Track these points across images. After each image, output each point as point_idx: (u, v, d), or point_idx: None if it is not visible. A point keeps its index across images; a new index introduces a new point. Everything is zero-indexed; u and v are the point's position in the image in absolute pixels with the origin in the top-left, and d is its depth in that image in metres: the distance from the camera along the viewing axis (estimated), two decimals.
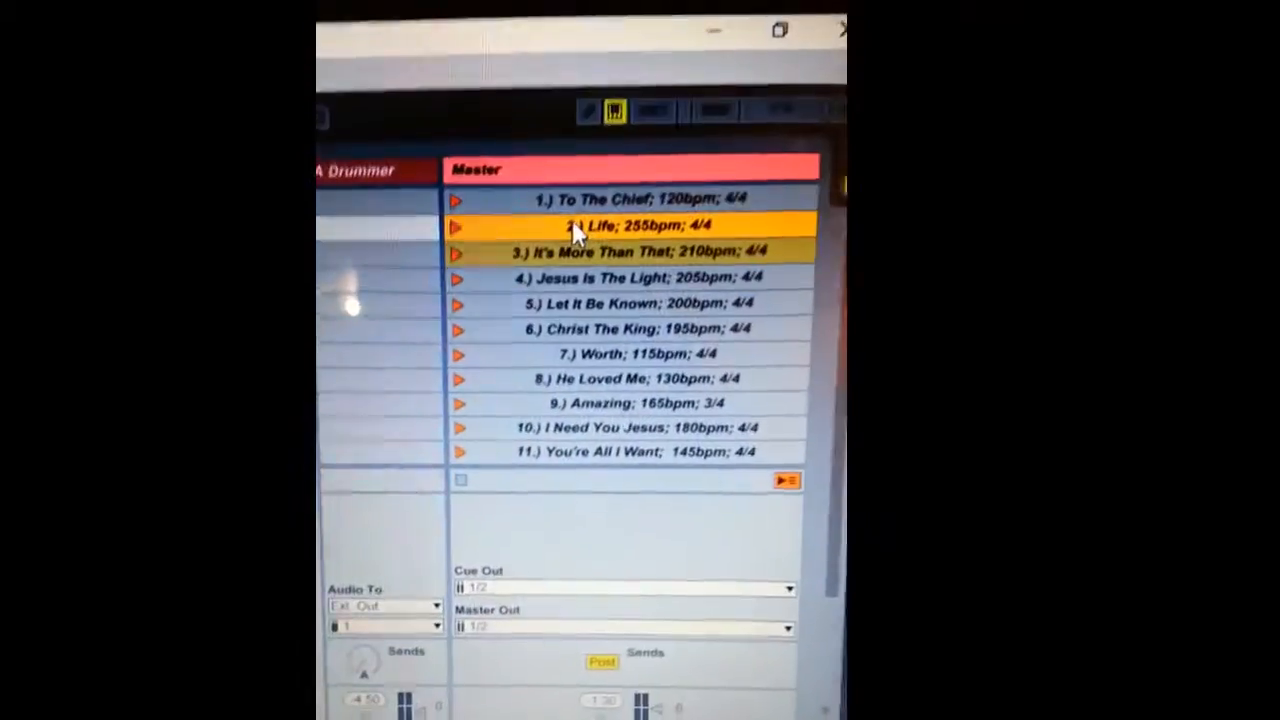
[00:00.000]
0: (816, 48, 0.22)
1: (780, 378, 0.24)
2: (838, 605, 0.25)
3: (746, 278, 0.23)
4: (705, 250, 0.23)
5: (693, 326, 0.24)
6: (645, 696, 0.26)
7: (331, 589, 0.26)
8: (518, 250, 0.24)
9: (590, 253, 0.23)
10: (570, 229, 0.23)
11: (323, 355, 0.24)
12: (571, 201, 0.23)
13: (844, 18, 0.22)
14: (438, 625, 0.26)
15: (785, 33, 0.22)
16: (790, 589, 0.25)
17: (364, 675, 0.26)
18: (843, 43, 0.22)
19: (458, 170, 0.23)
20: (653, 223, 0.23)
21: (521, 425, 0.25)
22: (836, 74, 0.22)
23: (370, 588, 0.26)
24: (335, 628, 0.26)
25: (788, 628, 0.25)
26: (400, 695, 0.26)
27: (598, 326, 0.24)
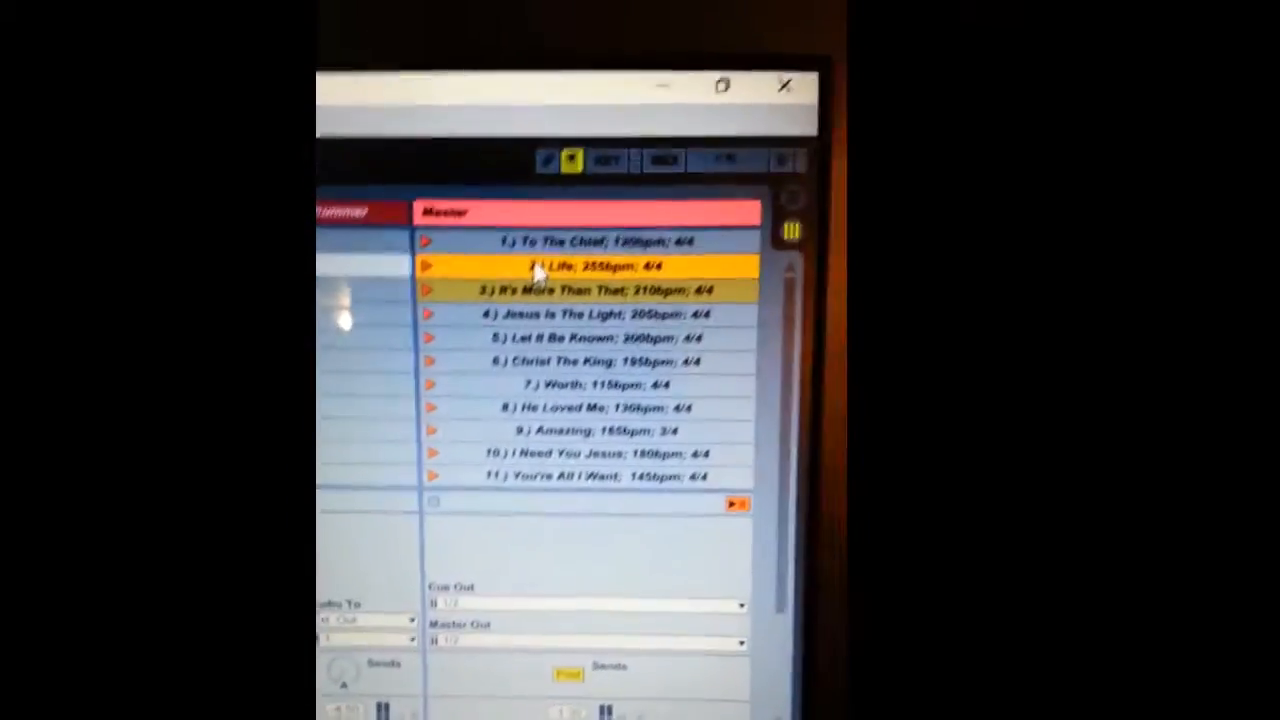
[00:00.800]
0: (757, 102, 0.24)
1: (729, 408, 0.25)
2: (786, 621, 0.26)
3: (695, 315, 0.25)
4: (657, 290, 0.25)
5: (647, 360, 0.25)
6: (610, 708, 0.27)
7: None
8: (484, 287, 0.25)
9: (551, 290, 0.25)
10: (532, 268, 0.25)
11: None
12: (533, 243, 0.25)
13: (782, 74, 0.24)
14: (413, 639, 0.27)
15: (728, 88, 0.24)
16: (742, 606, 0.27)
17: (344, 686, 0.28)
18: (782, 97, 0.24)
19: (428, 212, 0.25)
20: (608, 264, 0.25)
21: (490, 451, 0.26)
22: (775, 126, 0.24)
23: (349, 602, 0.27)
24: (316, 640, 0.28)
25: (741, 642, 0.27)
26: (378, 705, 0.28)
27: (559, 359, 0.26)
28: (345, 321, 0.26)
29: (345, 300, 0.25)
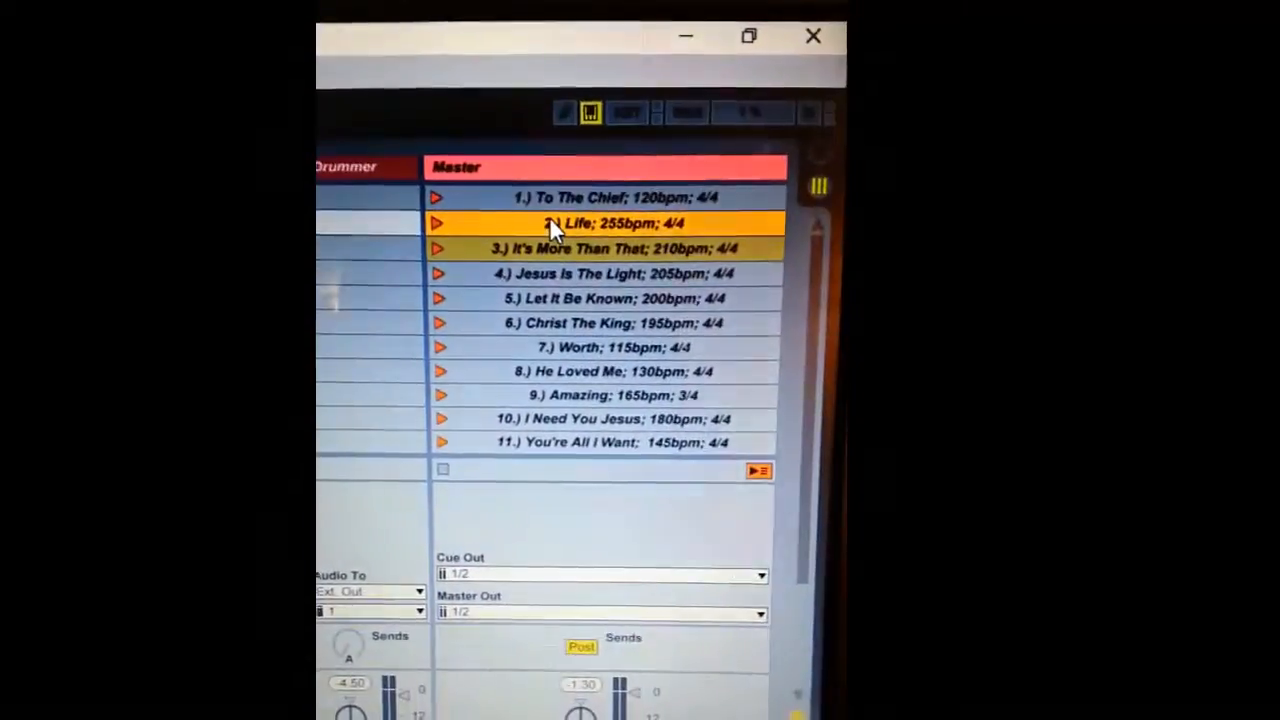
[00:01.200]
0: (784, 53, 0.23)
1: (751, 371, 0.25)
2: (809, 591, 0.26)
3: (718, 275, 0.24)
4: (678, 248, 0.24)
5: (667, 321, 0.25)
6: (624, 680, 0.27)
7: (317, 575, 0.27)
8: (497, 245, 0.24)
9: (567, 249, 0.24)
10: (548, 226, 0.24)
11: None
12: (549, 199, 0.24)
13: (810, 24, 0.23)
14: (421, 611, 0.27)
15: (754, 39, 0.23)
16: (763, 576, 0.26)
17: (349, 659, 0.27)
18: (810, 48, 0.23)
19: (438, 167, 0.24)
20: (628, 220, 0.24)
21: (502, 416, 0.25)
22: (803, 78, 0.23)
23: (354, 574, 0.27)
24: (320, 613, 0.27)
25: (760, 613, 0.26)
26: (384, 679, 0.27)
27: (575, 320, 0.25)
28: (352, 281, 0.25)
29: (352, 259, 0.24)
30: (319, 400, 0.25)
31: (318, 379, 0.25)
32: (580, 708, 0.27)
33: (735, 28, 0.23)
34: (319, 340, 0.25)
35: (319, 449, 0.26)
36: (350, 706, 0.27)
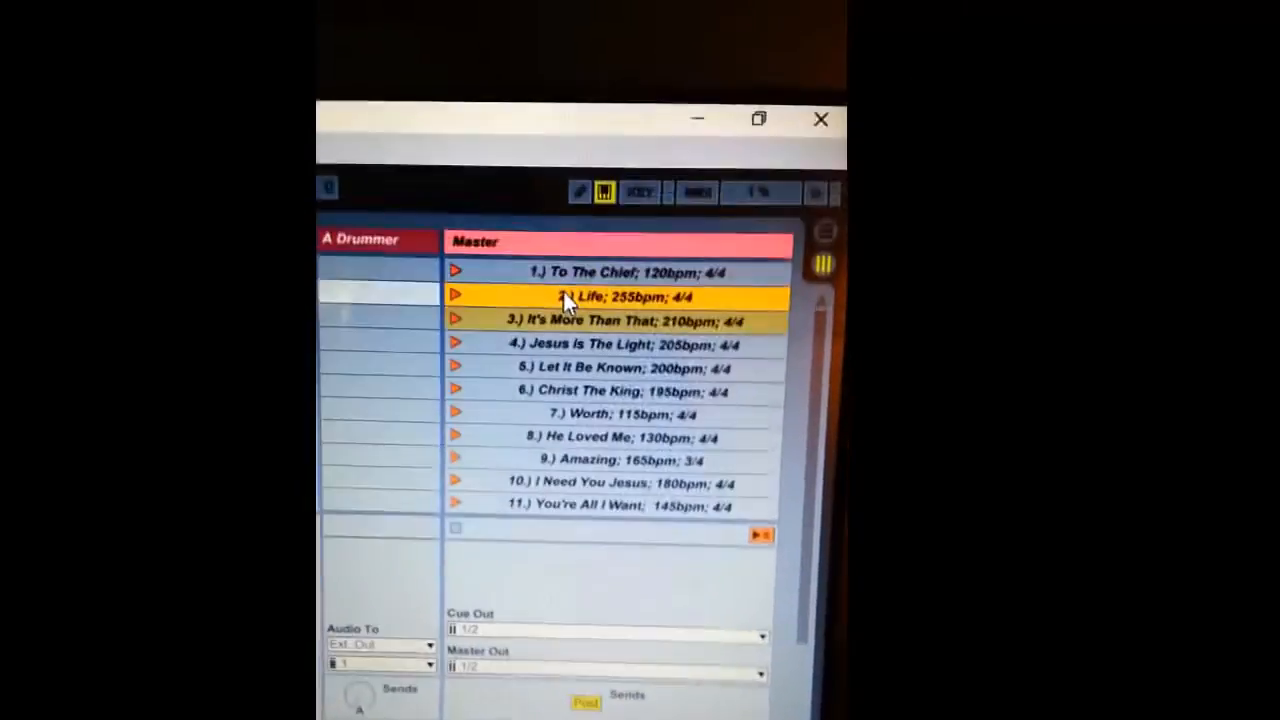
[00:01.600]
0: (792, 135, 0.24)
1: (755, 439, 0.25)
2: (808, 651, 0.26)
3: (724, 347, 0.25)
4: (686, 320, 0.25)
5: (674, 390, 0.25)
6: None
7: (331, 628, 0.27)
8: (513, 316, 0.25)
9: (580, 320, 0.25)
10: (562, 298, 0.25)
11: (328, 408, 0.26)
12: (563, 273, 0.25)
13: (818, 109, 0.24)
14: (430, 664, 0.27)
15: (764, 121, 0.24)
16: (763, 636, 0.27)
17: (359, 710, 0.28)
18: (817, 131, 0.24)
19: (458, 241, 0.25)
20: (638, 294, 0.25)
21: (513, 478, 0.26)
22: (810, 160, 0.24)
23: (367, 627, 0.27)
24: (333, 664, 0.28)
25: (760, 673, 0.27)
26: None
27: (586, 388, 0.26)
28: (373, 348, 0.26)
29: (374, 326, 0.25)
30: (338, 460, 0.26)
31: (336, 440, 0.26)
32: None
33: (745, 111, 0.24)
34: (340, 403, 0.26)
35: (336, 507, 0.26)
36: None
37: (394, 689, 0.28)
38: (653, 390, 0.25)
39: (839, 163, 0.24)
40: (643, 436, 0.26)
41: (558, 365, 0.25)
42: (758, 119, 0.24)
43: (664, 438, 0.26)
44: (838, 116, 0.24)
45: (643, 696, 0.27)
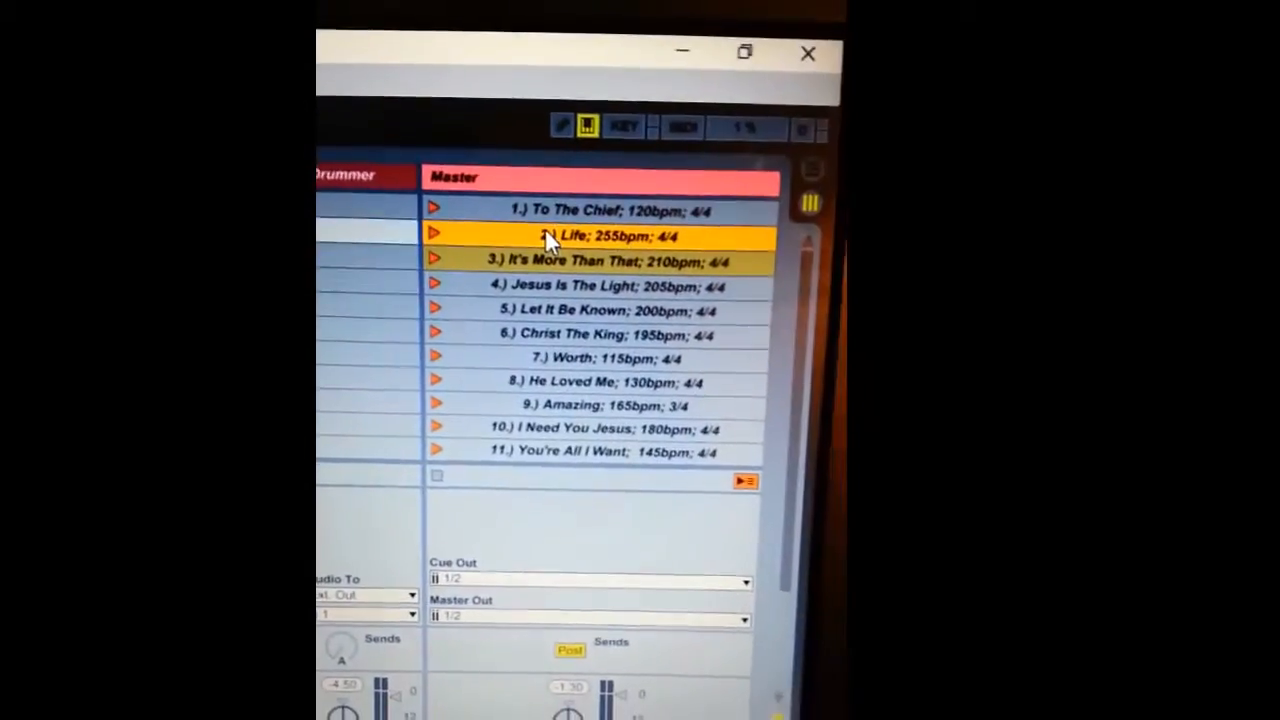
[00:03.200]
0: (779, 69, 0.23)
1: (740, 384, 0.25)
2: (791, 598, 0.26)
3: (710, 288, 0.25)
4: (671, 261, 0.24)
5: (659, 333, 0.25)
6: (610, 683, 0.27)
7: None
8: (493, 256, 0.25)
9: (563, 260, 0.25)
10: (544, 237, 0.24)
11: None
12: (545, 211, 0.24)
13: (805, 42, 0.23)
14: (413, 614, 0.27)
15: (750, 55, 0.23)
16: (747, 583, 0.26)
17: (341, 661, 0.28)
18: (805, 66, 0.23)
19: (436, 177, 0.24)
20: (622, 233, 0.24)
21: (496, 424, 0.26)
22: (797, 95, 0.23)
23: (348, 578, 0.27)
24: (315, 619, 0.27)
25: (744, 619, 0.27)
26: (376, 680, 0.27)
27: (569, 331, 0.25)
28: (348, 289, 0.25)
29: (349, 267, 0.25)
30: (317, 407, 0.26)
31: (316, 386, 0.25)
32: (568, 709, 0.27)
33: (731, 44, 0.23)
34: (316, 347, 0.25)
35: (317, 455, 0.26)
36: (343, 707, 0.28)
37: (376, 639, 0.27)
38: (637, 333, 0.25)
39: (827, 99, 0.23)
40: (627, 381, 0.25)
41: (540, 307, 0.25)
42: (744, 52, 0.23)
43: (649, 382, 0.25)
44: (826, 51, 0.23)
45: (627, 643, 0.27)
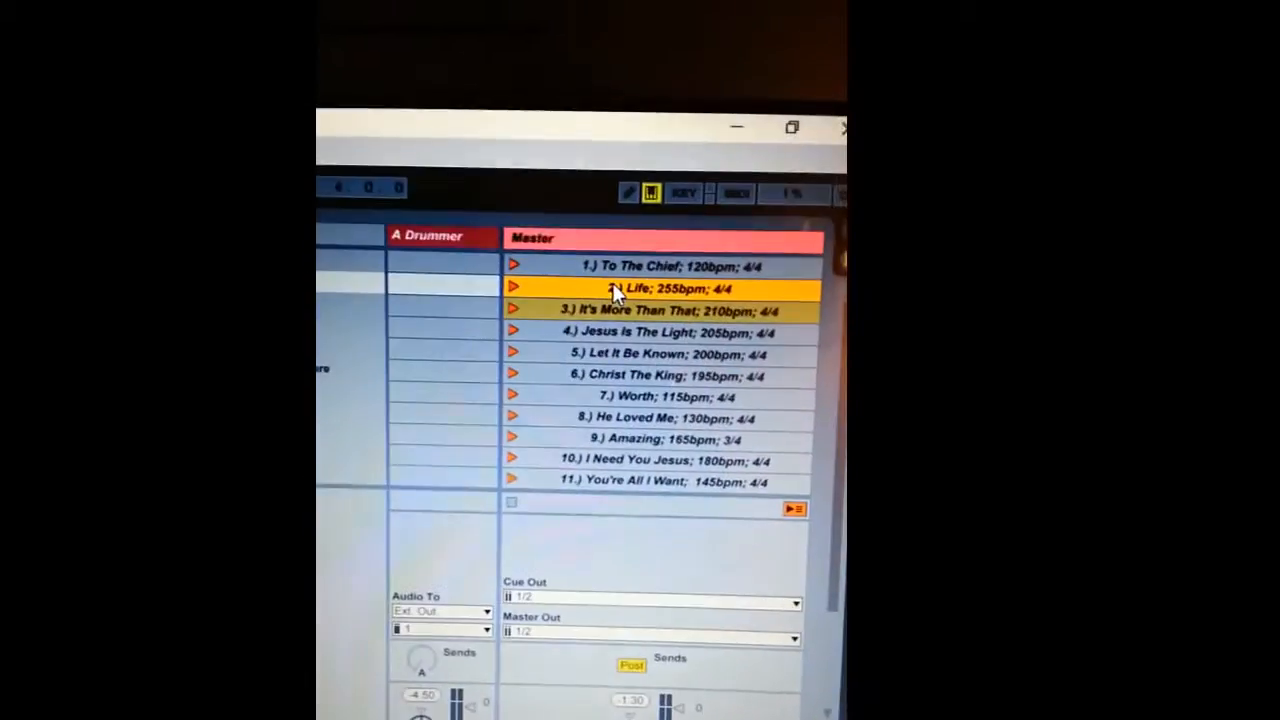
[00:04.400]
0: (823, 143, 0.26)
1: (789, 420, 0.28)
2: (838, 619, 0.29)
3: (761, 335, 0.28)
4: (726, 310, 0.28)
5: (714, 375, 0.28)
6: (669, 697, 0.30)
7: (395, 595, 0.30)
8: (566, 306, 0.28)
9: (628, 310, 0.28)
10: (611, 289, 0.28)
11: (395, 391, 0.29)
12: (613, 266, 0.28)
13: (844, 119, 0.26)
14: (487, 630, 0.30)
15: (797, 130, 0.26)
16: (797, 604, 0.29)
17: (421, 673, 0.30)
18: (845, 139, 0.26)
19: (516, 238, 0.28)
20: (681, 286, 0.28)
21: (565, 456, 0.29)
22: (839, 164, 0.27)
23: (429, 595, 0.30)
24: (397, 630, 0.30)
25: (794, 638, 0.29)
26: (453, 691, 0.30)
27: (633, 373, 0.28)
28: (437, 336, 0.28)
29: (439, 316, 0.28)
30: (405, 440, 0.29)
31: (403, 421, 0.29)
32: None
33: (780, 120, 0.27)
34: (405, 387, 0.28)
35: (401, 482, 0.29)
36: (422, 716, 0.30)
37: (454, 653, 0.30)
38: (695, 375, 0.28)
39: None
40: (685, 417, 0.28)
41: (607, 351, 0.28)
42: (791, 128, 0.27)
43: (705, 418, 0.28)
44: None
45: (684, 660, 0.29)
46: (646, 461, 0.29)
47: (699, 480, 0.29)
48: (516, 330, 0.28)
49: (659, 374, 0.28)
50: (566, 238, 0.28)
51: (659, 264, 0.27)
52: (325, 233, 0.28)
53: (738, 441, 0.28)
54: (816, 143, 0.26)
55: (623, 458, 0.29)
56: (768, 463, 0.28)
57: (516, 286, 0.28)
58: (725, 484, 0.29)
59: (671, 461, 0.29)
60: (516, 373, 0.28)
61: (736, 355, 0.28)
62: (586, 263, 0.28)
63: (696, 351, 0.28)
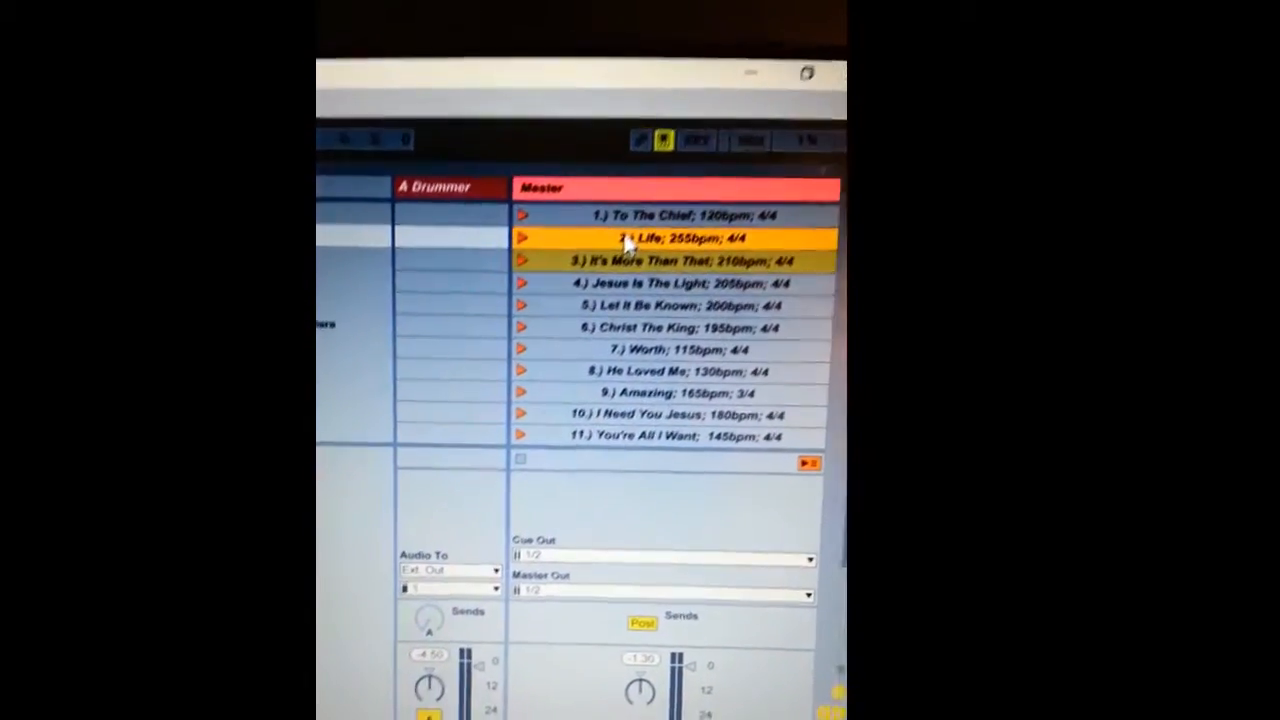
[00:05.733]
0: (838, 89, 0.26)
1: (804, 372, 0.28)
2: None
3: (775, 285, 0.28)
4: (740, 260, 0.28)
5: (728, 326, 0.28)
6: (680, 655, 0.30)
7: (403, 554, 0.30)
8: (576, 258, 0.28)
9: (639, 261, 0.28)
10: (622, 240, 0.28)
11: (403, 347, 0.29)
12: (624, 217, 0.27)
13: None
14: (496, 589, 0.30)
15: (812, 75, 0.26)
16: (811, 560, 0.29)
17: (429, 633, 0.30)
18: None
19: (525, 188, 0.27)
20: (694, 236, 0.27)
21: (575, 411, 0.29)
22: None
23: (437, 554, 0.30)
24: (405, 589, 0.30)
25: (808, 594, 0.29)
26: (461, 651, 0.30)
27: (644, 325, 0.28)
28: (444, 289, 0.28)
29: (446, 269, 0.28)
30: (412, 396, 0.29)
31: (410, 377, 0.29)
32: (640, 679, 0.30)
33: (795, 66, 0.26)
34: (412, 342, 0.28)
35: (409, 439, 0.29)
36: (430, 676, 0.31)
37: (462, 611, 0.30)
38: (708, 327, 0.28)
39: None
40: (698, 370, 0.28)
41: (618, 304, 0.28)
42: (806, 74, 0.26)
43: (718, 371, 0.28)
44: None
45: (696, 617, 0.30)
46: (658, 416, 0.29)
47: (711, 435, 0.29)
48: (525, 283, 0.28)
49: (671, 326, 0.28)
50: (576, 187, 0.27)
51: (671, 213, 0.27)
52: (331, 186, 0.27)
53: (751, 395, 0.28)
54: (832, 89, 0.26)
55: (634, 412, 0.29)
56: (782, 416, 0.28)
57: (525, 238, 0.28)
58: (738, 438, 0.29)
59: (684, 416, 0.29)
60: (525, 326, 0.28)
61: (750, 306, 0.28)
62: (597, 213, 0.28)
63: (710, 303, 0.28)
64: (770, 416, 0.28)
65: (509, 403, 0.29)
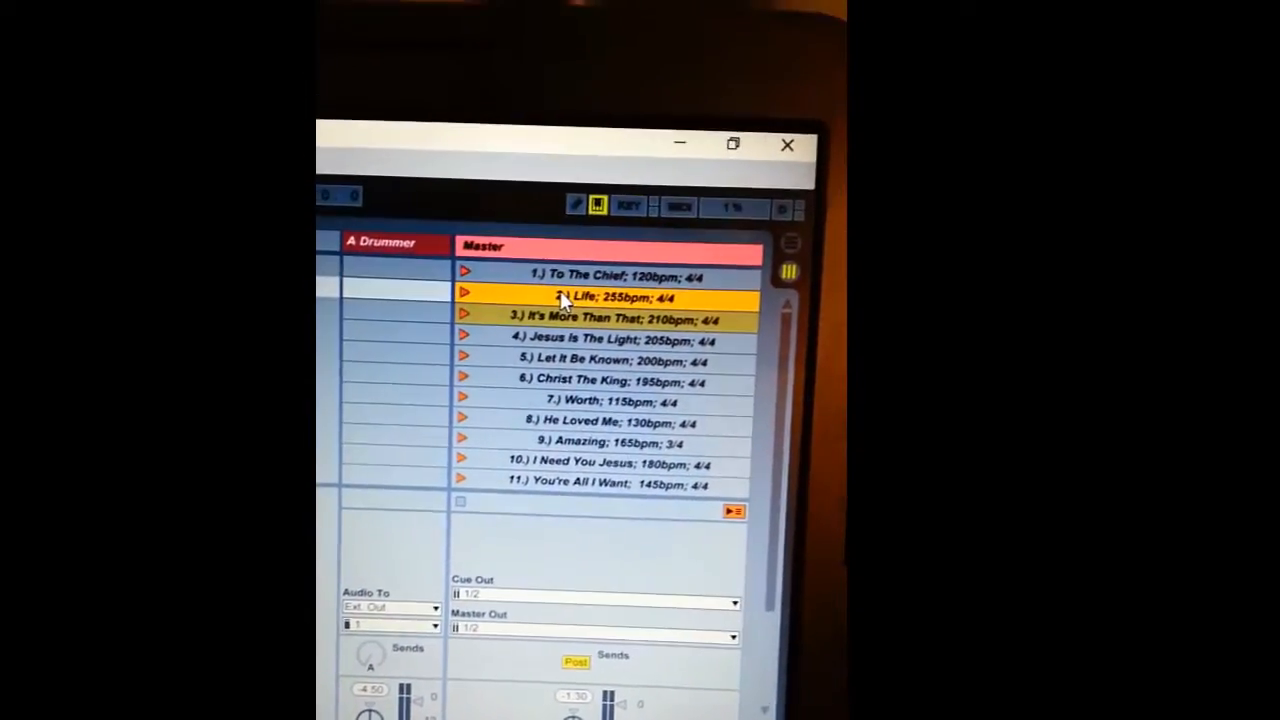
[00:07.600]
0: (763, 159, 0.28)
1: (729, 425, 0.30)
2: (775, 618, 0.31)
3: (702, 343, 0.30)
4: (669, 319, 0.29)
5: (658, 380, 0.30)
6: (612, 693, 0.32)
7: (346, 591, 0.31)
8: (515, 312, 0.30)
9: (575, 317, 0.30)
10: (559, 297, 0.30)
11: (350, 392, 0.30)
12: (561, 275, 0.29)
13: (785, 136, 0.28)
14: (435, 626, 0.32)
15: (738, 146, 0.28)
16: (735, 603, 0.31)
17: (370, 668, 0.32)
18: (784, 155, 0.28)
19: (468, 245, 0.29)
20: (626, 295, 0.29)
21: (513, 457, 0.31)
22: (778, 180, 0.29)
23: (379, 591, 0.31)
24: (347, 625, 0.32)
25: (733, 636, 0.31)
26: (401, 686, 0.32)
27: (579, 377, 0.30)
28: (389, 339, 0.30)
29: (391, 320, 0.30)
30: (357, 440, 0.30)
31: (356, 421, 0.30)
32: (573, 717, 0.32)
33: (722, 137, 0.28)
34: (359, 388, 0.30)
35: (354, 481, 0.31)
36: (370, 710, 0.32)
37: (402, 648, 0.32)
38: (638, 380, 0.30)
39: (803, 183, 0.29)
40: (629, 421, 0.30)
41: (554, 356, 0.30)
42: (732, 144, 0.28)
43: (648, 423, 0.30)
44: (802, 143, 0.28)
45: (627, 657, 0.31)
46: (592, 463, 0.30)
47: (642, 482, 0.30)
48: (467, 335, 0.30)
49: (604, 379, 0.30)
50: (516, 246, 0.29)
51: (605, 273, 0.29)
52: None
53: (679, 445, 0.30)
54: (756, 158, 0.28)
55: (569, 459, 0.30)
56: (708, 466, 0.30)
57: (467, 293, 0.30)
58: (667, 486, 0.30)
59: (616, 464, 0.30)
60: (466, 375, 0.30)
61: (679, 362, 0.30)
62: (535, 270, 0.29)
63: (640, 358, 0.30)
64: (697, 466, 0.30)
65: (450, 448, 0.31)
